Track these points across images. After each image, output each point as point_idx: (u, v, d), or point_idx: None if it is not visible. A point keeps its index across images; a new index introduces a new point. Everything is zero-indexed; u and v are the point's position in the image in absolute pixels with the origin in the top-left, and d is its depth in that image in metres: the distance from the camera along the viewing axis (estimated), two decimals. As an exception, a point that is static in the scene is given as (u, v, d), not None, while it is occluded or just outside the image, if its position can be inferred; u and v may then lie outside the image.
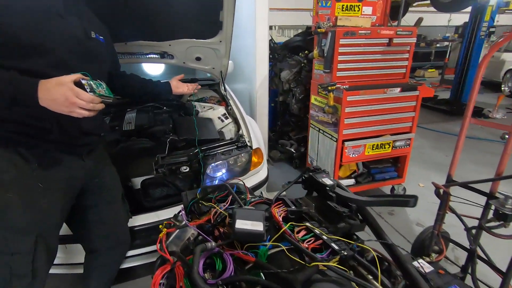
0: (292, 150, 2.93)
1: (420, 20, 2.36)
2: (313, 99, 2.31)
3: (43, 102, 0.84)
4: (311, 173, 0.96)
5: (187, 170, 1.58)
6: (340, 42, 1.92)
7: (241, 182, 1.14)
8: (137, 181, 1.52)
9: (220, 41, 2.09)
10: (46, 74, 0.86)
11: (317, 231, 0.75)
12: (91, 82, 0.92)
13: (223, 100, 2.35)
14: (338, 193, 0.86)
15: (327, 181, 0.89)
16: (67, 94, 0.83)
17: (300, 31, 7.43)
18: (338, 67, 1.98)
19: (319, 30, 1.98)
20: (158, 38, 2.01)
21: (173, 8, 1.78)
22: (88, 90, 0.88)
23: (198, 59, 2.27)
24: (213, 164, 1.64)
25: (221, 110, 2.15)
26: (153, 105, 2.20)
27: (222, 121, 2.10)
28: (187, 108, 2.19)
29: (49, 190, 0.97)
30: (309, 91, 2.80)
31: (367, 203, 0.82)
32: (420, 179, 2.76)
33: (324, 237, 0.72)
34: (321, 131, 2.26)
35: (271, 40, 3.15)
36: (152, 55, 2.16)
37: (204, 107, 2.22)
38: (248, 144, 1.84)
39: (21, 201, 0.91)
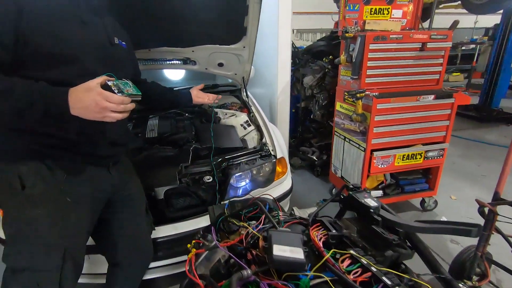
0: (314, 158, 2.84)
1: (456, 23, 2.23)
2: (338, 106, 2.22)
3: (75, 111, 0.81)
4: (351, 192, 0.88)
5: (211, 180, 1.54)
6: (370, 47, 1.82)
7: (270, 197, 1.08)
8: (161, 191, 1.48)
9: (244, 47, 2.05)
10: (72, 83, 0.83)
11: (364, 260, 0.67)
12: (117, 83, 0.89)
13: (245, 107, 2.31)
14: (384, 216, 0.77)
15: (371, 202, 0.81)
16: (97, 99, 0.80)
17: (319, 34, 7.32)
18: (367, 73, 1.89)
19: (347, 34, 1.89)
20: (182, 44, 1.99)
21: (197, 14, 1.75)
22: (116, 91, 0.85)
23: (220, 65, 2.24)
24: (237, 174, 1.58)
25: (243, 117, 2.10)
26: (175, 112, 2.18)
27: (245, 128, 2.05)
28: (209, 115, 2.15)
29: (77, 204, 0.94)
30: (333, 98, 2.71)
31: (419, 229, 0.74)
32: (451, 190, 2.59)
33: (374, 269, 0.64)
34: (346, 139, 2.16)
35: (291, 45, 3.09)
36: (175, 61, 2.15)
37: (226, 114, 2.18)
38: (272, 153, 1.78)
39: (49, 217, 0.88)
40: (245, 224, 0.84)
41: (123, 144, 1.17)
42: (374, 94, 1.83)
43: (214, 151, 1.70)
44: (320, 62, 2.63)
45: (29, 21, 0.81)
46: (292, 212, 1.08)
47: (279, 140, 1.93)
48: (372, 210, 0.78)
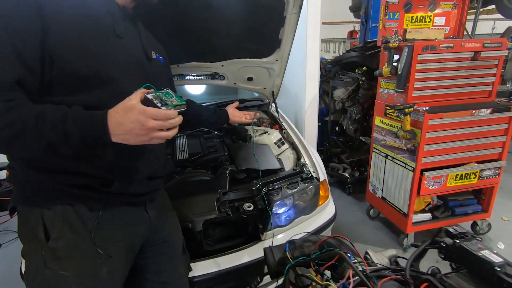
0: (346, 175, 2.66)
1: (510, 29, 2.06)
2: (378, 120, 2.05)
3: (116, 137, 0.68)
4: (457, 241, 0.70)
5: (251, 208, 1.38)
6: (418, 58, 1.67)
7: (347, 241, 0.91)
8: (198, 222, 1.33)
9: (276, 60, 1.93)
10: (107, 106, 0.70)
11: None
12: (158, 94, 0.75)
13: (275, 123, 2.17)
14: (517, 277, 0.60)
15: (492, 257, 0.64)
16: (141, 120, 0.66)
17: (332, 44, 7.20)
18: (415, 86, 1.72)
19: (390, 45, 1.74)
20: (212, 58, 1.88)
21: (230, 27, 1.64)
22: (159, 105, 0.71)
23: (249, 79, 2.12)
24: (280, 201, 1.42)
25: (276, 134, 1.95)
26: (202, 130, 2.05)
27: (279, 147, 1.89)
28: (239, 133, 2.01)
29: (109, 256, 0.80)
30: (367, 111, 2.55)
31: None
32: (503, 211, 2.36)
33: None
34: (389, 157, 1.98)
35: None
36: (203, 77, 2.04)
37: (257, 131, 2.03)
38: (313, 174, 1.62)
39: (77, 276, 0.75)
40: (330, 283, 0.67)
41: (162, 176, 1.02)
42: (424, 108, 1.66)
43: (252, 174, 1.56)
44: (352, 74, 2.48)
45: (56, 36, 0.67)
46: (368, 256, 0.90)
47: (318, 160, 1.77)
48: (498, 269, 0.61)
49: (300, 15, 1.62)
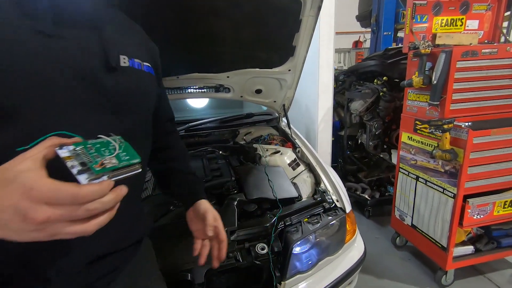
0: (366, 196, 2.38)
1: None
2: (405, 137, 1.80)
3: None
4: None
5: (265, 250, 1.12)
6: (457, 66, 1.43)
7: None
8: (200, 272, 1.07)
9: (289, 70, 1.70)
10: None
11: None
12: (89, 146, 0.42)
13: (288, 140, 1.92)
14: None
15: None
16: (22, 207, 0.35)
17: (337, 55, 7.06)
18: (453, 98, 1.48)
19: (422, 51, 1.51)
20: (216, 69, 1.65)
21: (238, 33, 1.41)
22: (75, 170, 0.38)
23: (258, 91, 1.89)
24: (301, 241, 1.15)
25: (290, 154, 1.70)
26: (206, 149, 1.81)
27: (293, 169, 1.64)
28: (247, 152, 1.76)
29: None
30: (388, 126, 2.30)
31: None
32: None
33: None
34: (421, 179, 1.72)
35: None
36: (206, 89, 1.81)
37: (267, 150, 1.78)
38: (338, 204, 1.36)
39: None
40: None
41: (127, 246, 0.65)
42: (467, 124, 1.41)
43: (264, 204, 1.30)
44: (371, 84, 2.25)
45: None
46: None
47: (340, 185, 1.51)
48: None
49: (318, 18, 1.40)
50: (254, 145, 1.79)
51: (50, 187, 0.36)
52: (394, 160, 2.49)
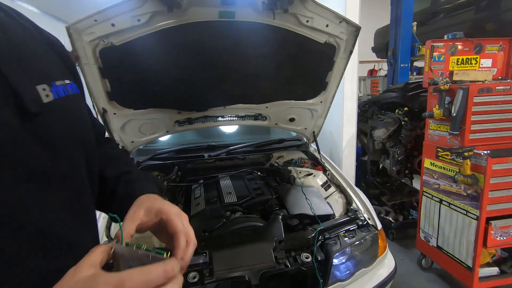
0: (390, 219, 2.50)
1: None
2: (428, 163, 1.96)
3: None
4: None
5: (309, 259, 1.28)
6: (474, 101, 1.62)
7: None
8: (256, 274, 1.24)
9: (321, 102, 1.94)
10: None
11: None
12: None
13: (318, 164, 2.11)
14: None
15: None
16: None
17: (361, 83, 7.33)
18: (472, 129, 1.65)
19: (442, 87, 1.71)
20: (257, 101, 1.90)
21: (279, 71, 1.68)
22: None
23: (291, 120, 2.12)
24: (339, 253, 1.32)
25: (322, 176, 1.89)
26: (245, 170, 2.02)
27: (326, 190, 1.82)
28: (282, 174, 1.96)
29: None
30: (410, 152, 2.47)
31: None
32: None
33: None
34: (444, 202, 1.85)
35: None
36: (246, 118, 2.06)
37: (300, 172, 1.97)
38: (369, 222, 1.52)
39: None
40: None
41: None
42: (486, 152, 1.57)
43: (304, 220, 1.48)
44: (392, 114, 2.45)
45: None
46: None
47: (370, 205, 1.67)
48: None
49: (349, 59, 1.65)
50: (289, 168, 1.99)
51: (139, 271, 0.35)
52: (416, 185, 2.63)
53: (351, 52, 1.59)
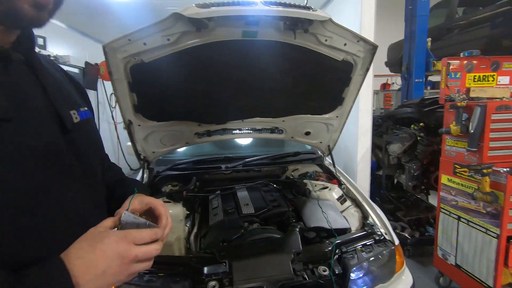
0: (406, 235, 2.46)
1: None
2: (445, 179, 1.95)
3: (86, 286, 0.46)
4: None
5: (327, 272, 1.29)
6: (492, 118, 1.62)
7: None
8: (274, 285, 1.26)
9: (337, 116, 1.97)
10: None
11: None
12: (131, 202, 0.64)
13: (333, 178, 2.12)
14: None
15: None
16: (121, 249, 0.49)
17: (374, 96, 7.33)
18: (490, 146, 1.65)
19: (459, 104, 1.73)
20: (275, 114, 1.96)
21: (298, 87, 1.73)
22: (140, 220, 0.57)
23: (307, 133, 2.16)
24: (357, 267, 1.32)
25: (338, 190, 1.90)
26: (261, 182, 2.05)
27: (341, 203, 1.83)
28: (298, 186, 1.99)
29: None
30: (427, 168, 2.45)
31: None
32: None
33: None
34: (463, 220, 1.83)
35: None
36: (263, 131, 2.11)
37: (315, 185, 1.99)
38: (386, 237, 1.52)
39: None
40: None
41: None
42: (506, 169, 1.56)
43: (321, 233, 1.49)
44: (408, 129, 2.45)
45: None
46: None
47: (386, 220, 1.67)
48: None
49: (365, 76, 1.69)
50: (304, 181, 2.01)
51: (136, 232, 0.53)
52: (432, 201, 2.59)
53: (367, 69, 1.63)
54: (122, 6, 3.35)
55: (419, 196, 2.55)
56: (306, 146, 2.57)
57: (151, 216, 0.65)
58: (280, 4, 1.15)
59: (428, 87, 4.97)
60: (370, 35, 2.56)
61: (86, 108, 0.69)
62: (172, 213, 1.59)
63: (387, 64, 5.57)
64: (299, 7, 1.17)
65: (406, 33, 3.71)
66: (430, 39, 3.53)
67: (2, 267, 0.43)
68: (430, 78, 4.28)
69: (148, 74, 1.42)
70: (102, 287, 0.48)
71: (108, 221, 0.55)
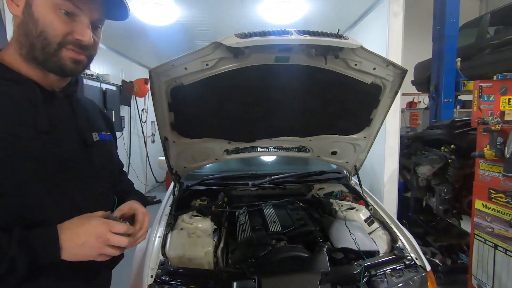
0: (437, 262, 2.36)
1: None
2: (479, 204, 1.88)
3: (67, 253, 0.65)
4: None
5: (355, 295, 1.28)
6: (530, 142, 1.57)
7: None
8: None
9: (364, 137, 1.98)
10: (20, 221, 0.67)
11: None
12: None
13: (360, 198, 2.11)
14: None
15: None
16: (100, 231, 0.68)
17: (400, 114, 7.20)
18: (528, 172, 1.59)
19: (492, 127, 1.69)
20: (302, 134, 2.00)
21: (326, 108, 1.78)
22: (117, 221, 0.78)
23: (334, 153, 2.17)
24: (387, 291, 1.30)
25: (365, 211, 1.89)
26: (287, 200, 2.08)
27: (369, 225, 1.81)
28: (324, 206, 1.99)
29: None
30: (459, 191, 2.37)
31: None
32: None
33: None
34: (500, 248, 1.74)
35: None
36: (290, 150, 2.16)
37: (342, 205, 1.99)
38: (417, 262, 1.48)
39: None
40: None
41: None
42: (546, 197, 1.49)
43: (349, 255, 1.48)
44: (437, 151, 2.40)
45: None
46: None
47: (415, 244, 1.63)
48: None
49: (394, 99, 1.71)
50: (330, 200, 2.01)
51: (115, 223, 0.73)
52: (465, 227, 2.48)
53: (396, 92, 1.65)
54: (157, 29, 3.61)
55: (450, 221, 2.45)
56: (331, 165, 2.58)
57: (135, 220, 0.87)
58: (313, 33, 1.22)
59: (458, 106, 4.83)
60: (397, 55, 2.58)
61: (108, 133, 0.95)
62: (202, 227, 1.66)
63: (413, 82, 5.50)
64: (331, 35, 1.23)
65: (434, 52, 3.67)
66: (459, 59, 3.47)
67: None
68: (459, 97, 4.17)
69: (186, 95, 1.53)
70: (78, 255, 0.67)
71: (100, 213, 0.74)
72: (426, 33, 4.00)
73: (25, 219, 0.67)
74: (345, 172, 2.41)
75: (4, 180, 0.65)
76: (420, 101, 6.99)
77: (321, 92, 1.69)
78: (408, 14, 2.56)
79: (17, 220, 0.66)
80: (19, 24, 0.71)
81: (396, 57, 2.51)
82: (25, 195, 0.68)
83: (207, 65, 1.39)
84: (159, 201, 4.45)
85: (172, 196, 1.92)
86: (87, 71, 3.44)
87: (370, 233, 1.75)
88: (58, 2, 0.69)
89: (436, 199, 2.38)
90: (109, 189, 0.93)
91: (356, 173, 2.24)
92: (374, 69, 1.50)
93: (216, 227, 1.75)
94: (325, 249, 1.45)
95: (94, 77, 3.52)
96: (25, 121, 0.70)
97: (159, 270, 1.27)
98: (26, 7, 0.69)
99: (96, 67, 3.91)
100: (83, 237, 0.66)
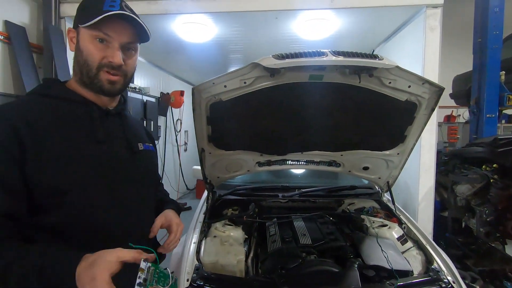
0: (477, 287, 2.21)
1: None
2: (525, 229, 1.76)
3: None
4: None
5: (387, 315, 1.27)
6: None
7: None
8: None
9: (398, 153, 1.95)
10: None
11: None
12: (154, 269, 0.70)
13: (393, 216, 2.06)
14: None
15: None
16: (98, 278, 0.64)
17: (437, 128, 6.86)
18: None
19: (540, 147, 1.60)
20: (334, 148, 2.03)
21: (360, 124, 1.80)
22: (138, 280, 0.66)
23: (365, 168, 2.16)
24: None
25: (398, 229, 1.85)
26: (317, 214, 2.09)
27: (402, 244, 1.77)
28: (355, 221, 1.98)
29: None
30: (502, 213, 2.23)
31: None
32: None
33: None
34: (550, 278, 1.61)
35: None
36: (321, 164, 2.18)
37: (373, 222, 1.96)
38: (454, 286, 1.42)
39: None
40: None
41: None
42: None
43: (381, 273, 1.47)
44: (478, 170, 2.29)
45: (35, 158, 0.76)
46: None
47: (453, 267, 1.57)
48: None
49: (430, 116, 1.68)
50: (362, 216, 1.99)
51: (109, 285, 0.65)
52: (509, 251, 2.31)
53: (433, 109, 1.62)
54: (194, 46, 3.84)
55: (493, 245, 2.29)
56: (362, 180, 2.54)
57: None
58: (347, 54, 1.27)
59: (503, 121, 4.52)
60: (434, 71, 2.52)
61: (150, 144, 1.10)
62: (234, 236, 1.74)
63: (452, 96, 5.25)
64: (365, 56, 1.27)
65: (475, 65, 3.51)
66: (503, 72, 3.29)
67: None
68: (504, 111, 3.91)
69: (224, 110, 1.63)
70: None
71: (128, 254, 0.70)
72: (465, 44, 3.84)
73: (87, 216, 0.82)
74: (377, 188, 2.37)
75: (70, 179, 0.80)
76: (460, 115, 6.62)
77: (354, 108, 1.71)
78: (445, 24, 2.49)
79: (81, 217, 0.81)
80: (74, 57, 0.90)
81: (433, 73, 2.46)
82: (87, 193, 0.82)
83: (245, 83, 1.48)
84: (189, 208, 4.63)
85: (205, 204, 2.02)
86: (131, 85, 3.74)
87: (403, 252, 1.71)
88: (93, 34, 0.84)
89: (477, 220, 2.24)
90: (152, 194, 1.08)
91: (389, 190, 2.20)
92: (409, 86, 1.50)
93: (246, 236, 1.80)
94: (356, 265, 1.45)
95: (136, 89, 3.82)
96: (87, 132, 0.87)
97: (194, 275, 1.34)
98: (77, 43, 0.88)
99: (138, 80, 4.23)
100: (85, 279, 0.66)
